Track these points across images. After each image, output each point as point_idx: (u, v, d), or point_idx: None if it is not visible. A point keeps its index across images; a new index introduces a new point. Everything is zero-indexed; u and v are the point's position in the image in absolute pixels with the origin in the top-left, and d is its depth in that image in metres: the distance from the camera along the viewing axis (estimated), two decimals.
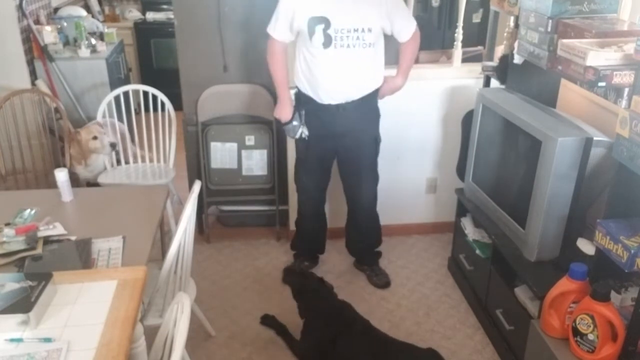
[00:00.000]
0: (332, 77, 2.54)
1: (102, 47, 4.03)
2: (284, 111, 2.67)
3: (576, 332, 1.89)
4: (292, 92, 2.70)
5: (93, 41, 3.99)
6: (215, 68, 3.15)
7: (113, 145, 3.22)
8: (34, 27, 3.65)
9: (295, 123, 2.67)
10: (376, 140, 2.80)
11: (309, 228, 3.04)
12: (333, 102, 2.58)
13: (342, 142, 2.72)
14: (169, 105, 3.23)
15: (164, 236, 2.60)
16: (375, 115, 2.76)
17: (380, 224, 3.05)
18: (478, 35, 3.62)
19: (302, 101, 2.66)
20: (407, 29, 2.58)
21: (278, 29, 2.53)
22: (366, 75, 2.60)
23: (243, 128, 3.21)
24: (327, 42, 2.45)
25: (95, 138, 3.23)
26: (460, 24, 3.12)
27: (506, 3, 2.51)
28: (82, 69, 3.86)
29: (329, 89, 2.56)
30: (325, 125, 2.65)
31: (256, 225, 3.53)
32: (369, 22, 2.46)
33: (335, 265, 3.17)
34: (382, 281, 2.99)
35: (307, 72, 2.57)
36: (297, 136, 2.70)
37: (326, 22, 2.42)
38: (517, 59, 2.46)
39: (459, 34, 3.13)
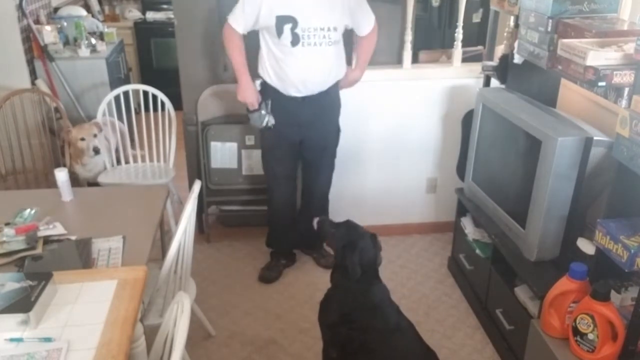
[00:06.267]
0: (300, 73, 2.60)
1: (102, 47, 4.03)
2: (248, 93, 2.66)
3: (576, 331, 1.89)
4: (258, 82, 2.73)
5: (93, 41, 4.00)
6: (215, 68, 3.15)
7: (96, 150, 3.17)
8: (34, 26, 3.65)
9: (263, 112, 2.71)
10: (338, 130, 2.91)
11: (281, 220, 3.06)
12: (299, 95, 2.66)
13: (307, 131, 2.79)
14: (169, 105, 3.23)
15: (164, 236, 2.59)
16: (337, 105, 2.86)
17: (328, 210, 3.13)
18: (478, 35, 3.61)
19: (269, 92, 2.70)
20: (367, 23, 2.69)
21: (242, 23, 2.54)
22: (331, 71, 2.69)
23: (243, 128, 3.20)
24: (295, 40, 2.51)
25: (82, 139, 3.18)
26: (460, 23, 3.12)
27: (506, 3, 2.51)
28: (82, 69, 3.86)
29: (297, 84, 2.63)
30: (291, 115, 2.71)
31: (256, 225, 3.52)
32: (334, 21, 2.54)
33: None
34: (328, 262, 3.04)
35: (275, 66, 2.61)
36: (264, 125, 2.73)
37: (293, 21, 2.48)
38: (517, 59, 2.46)
39: (459, 34, 3.13)
